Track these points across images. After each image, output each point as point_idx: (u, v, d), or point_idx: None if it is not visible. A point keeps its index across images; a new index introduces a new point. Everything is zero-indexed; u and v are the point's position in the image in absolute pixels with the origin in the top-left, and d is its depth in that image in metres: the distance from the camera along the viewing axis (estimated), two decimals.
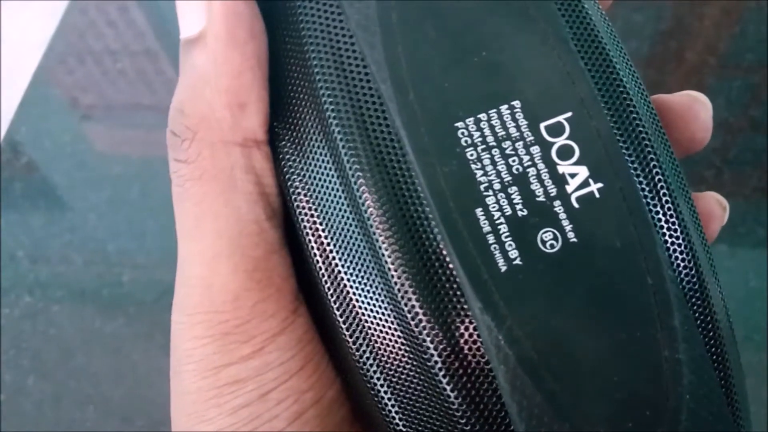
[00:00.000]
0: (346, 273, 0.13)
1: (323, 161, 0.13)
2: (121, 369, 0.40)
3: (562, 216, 0.13)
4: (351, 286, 0.13)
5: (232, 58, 0.13)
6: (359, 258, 0.13)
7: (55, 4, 0.57)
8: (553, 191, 0.13)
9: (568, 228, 0.13)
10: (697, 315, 0.13)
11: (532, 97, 0.13)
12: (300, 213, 0.14)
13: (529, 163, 0.13)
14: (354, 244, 0.13)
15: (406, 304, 0.13)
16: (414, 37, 0.13)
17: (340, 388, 0.15)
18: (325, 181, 0.13)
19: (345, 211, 0.13)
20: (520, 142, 0.13)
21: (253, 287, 0.14)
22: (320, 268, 0.14)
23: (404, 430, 0.14)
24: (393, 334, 0.13)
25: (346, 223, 0.13)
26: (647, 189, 0.13)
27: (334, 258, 0.14)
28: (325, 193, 0.14)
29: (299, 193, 0.14)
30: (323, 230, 0.14)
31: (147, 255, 0.44)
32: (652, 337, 0.12)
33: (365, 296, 0.13)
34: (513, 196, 0.13)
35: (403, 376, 0.14)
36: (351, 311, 0.14)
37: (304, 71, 0.14)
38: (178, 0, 0.14)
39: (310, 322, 0.15)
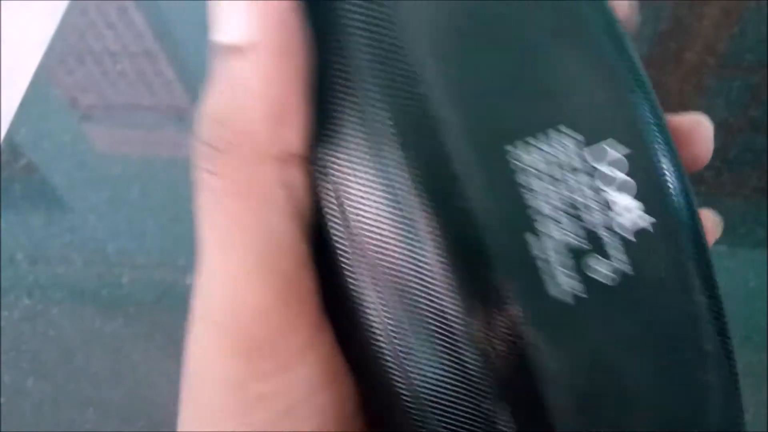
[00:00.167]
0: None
1: (371, 178, 0.13)
2: (121, 370, 0.40)
3: (618, 248, 0.13)
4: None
5: (283, 71, 0.13)
6: None
7: (55, 4, 0.57)
8: (608, 222, 0.13)
9: (623, 260, 0.13)
10: (720, 336, 0.14)
11: (583, 121, 0.13)
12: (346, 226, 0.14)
13: (583, 192, 0.13)
14: None
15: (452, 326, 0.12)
16: (468, 56, 0.13)
17: (359, 401, 0.15)
18: (371, 195, 0.13)
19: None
20: (575, 171, 0.13)
21: (281, 303, 0.13)
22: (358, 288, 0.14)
23: None
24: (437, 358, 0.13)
25: None
26: (690, 223, 0.14)
27: None
28: (370, 208, 0.13)
29: (352, 207, 0.13)
30: None
31: (147, 255, 0.43)
32: (691, 363, 0.13)
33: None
34: (568, 224, 0.13)
35: (446, 399, 0.13)
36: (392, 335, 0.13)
37: (349, 84, 0.13)
38: (218, 0, 0.13)
39: (334, 338, 0.14)
